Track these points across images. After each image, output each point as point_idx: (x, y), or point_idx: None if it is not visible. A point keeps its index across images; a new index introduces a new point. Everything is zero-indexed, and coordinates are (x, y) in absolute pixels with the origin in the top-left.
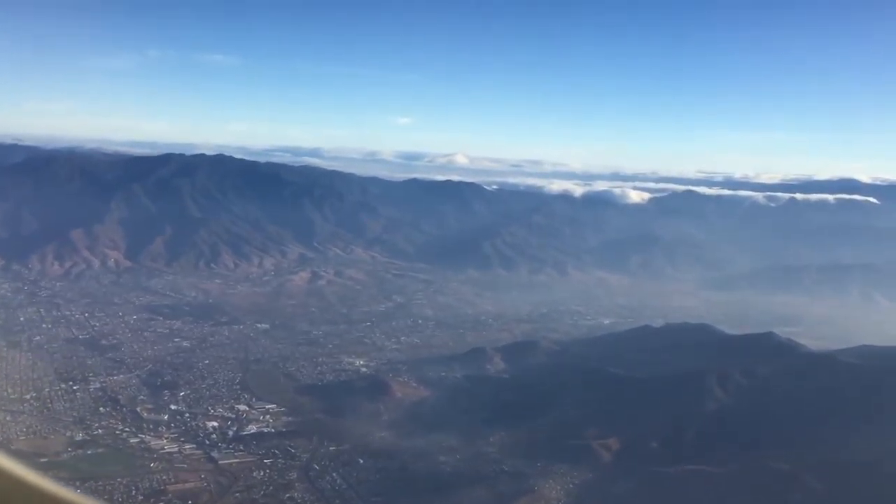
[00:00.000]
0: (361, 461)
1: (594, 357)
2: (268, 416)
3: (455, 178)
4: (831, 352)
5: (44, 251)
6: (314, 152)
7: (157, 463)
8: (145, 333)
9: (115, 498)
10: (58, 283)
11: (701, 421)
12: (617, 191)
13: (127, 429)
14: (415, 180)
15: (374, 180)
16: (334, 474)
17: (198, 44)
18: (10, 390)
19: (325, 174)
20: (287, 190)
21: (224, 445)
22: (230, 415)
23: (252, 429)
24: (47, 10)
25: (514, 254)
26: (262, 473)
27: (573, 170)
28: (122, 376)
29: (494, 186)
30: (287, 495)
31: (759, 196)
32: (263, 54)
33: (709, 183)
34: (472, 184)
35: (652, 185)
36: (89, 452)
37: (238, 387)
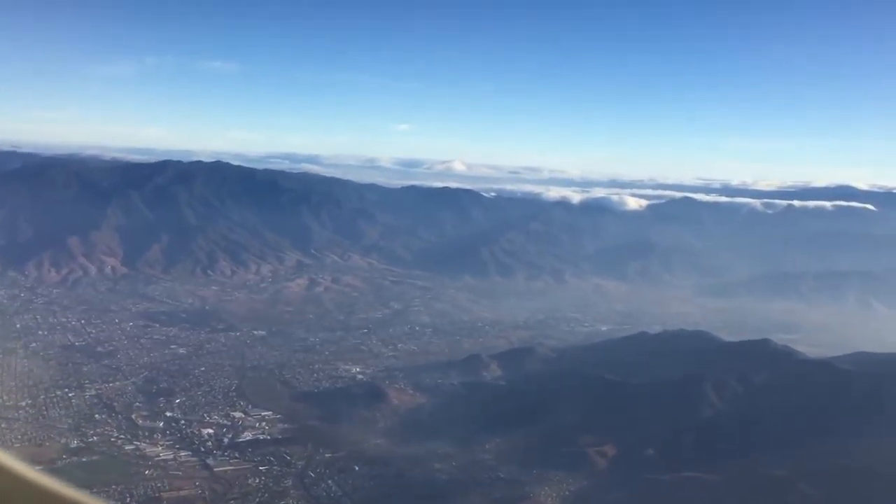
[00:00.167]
0: (357, 468)
1: (591, 364)
2: (263, 423)
3: (453, 184)
4: (828, 358)
5: (40, 258)
6: (312, 159)
7: (151, 470)
8: (141, 340)
9: None
10: (54, 290)
11: (697, 428)
12: (615, 198)
13: (122, 436)
14: (412, 187)
15: (372, 187)
16: (329, 481)
17: (196, 51)
18: (5, 397)
19: (322, 181)
20: (284, 197)
21: (219, 452)
22: (226, 422)
23: (248, 436)
24: (46, 18)
25: (512, 261)
26: (257, 480)
27: (571, 177)
28: (117, 383)
29: (492, 193)
30: (282, 502)
31: (756, 203)
32: (261, 61)
33: (706, 190)
34: (469, 191)
35: (650, 191)
36: (84, 460)
37: (234, 394)
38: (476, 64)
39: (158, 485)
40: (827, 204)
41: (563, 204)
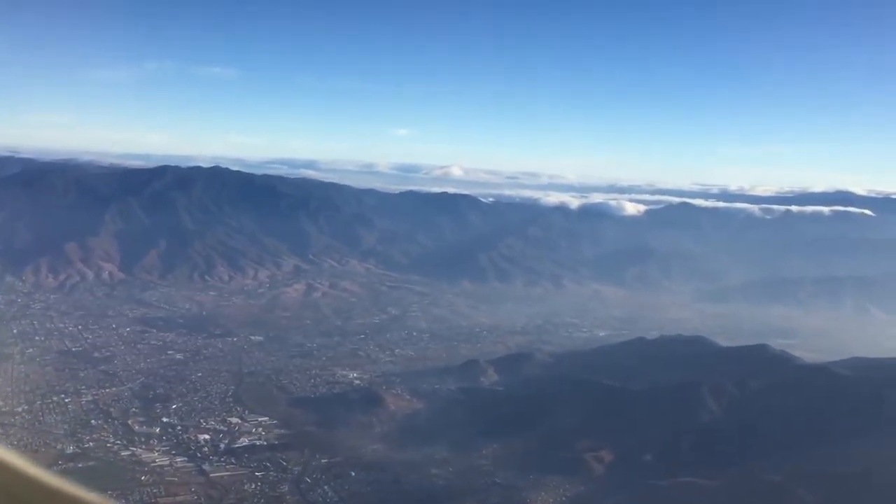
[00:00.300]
0: (353, 474)
1: (588, 369)
2: (260, 429)
3: (451, 190)
4: (825, 364)
5: (38, 263)
6: (311, 164)
7: (147, 476)
8: (138, 346)
9: None
10: (52, 296)
11: (694, 433)
12: (613, 203)
13: (118, 442)
14: (411, 192)
15: (370, 192)
16: (326, 487)
17: (195, 56)
18: (1, 403)
19: (320, 186)
20: (283, 202)
21: (215, 458)
22: (222, 427)
23: (244, 441)
24: (45, 22)
25: (510, 266)
26: (253, 486)
27: (570, 182)
28: (114, 389)
29: (490, 199)
30: None
31: (754, 208)
32: (261, 67)
33: (704, 195)
34: (468, 196)
35: (648, 197)
36: (80, 465)
37: (231, 399)
38: (475, 69)
39: (154, 490)
40: (825, 209)
41: (561, 209)
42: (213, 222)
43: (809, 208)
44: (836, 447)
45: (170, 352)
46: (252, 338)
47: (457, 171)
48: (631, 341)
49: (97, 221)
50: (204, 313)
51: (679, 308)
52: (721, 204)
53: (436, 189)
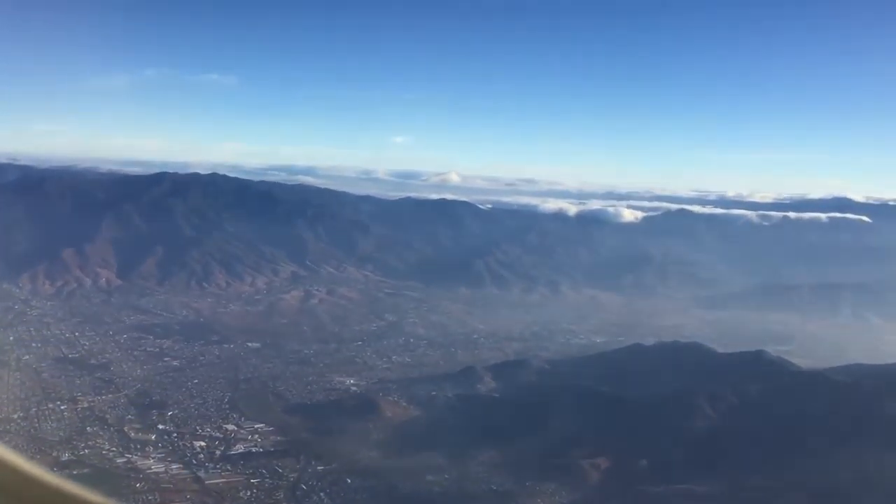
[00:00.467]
0: (349, 481)
1: (585, 376)
2: (256, 436)
3: (449, 196)
4: (821, 370)
5: (35, 270)
6: (309, 171)
7: (142, 483)
8: (135, 352)
9: None
10: (48, 303)
11: (690, 440)
12: (610, 209)
13: (114, 449)
14: (408, 199)
15: (368, 199)
16: (322, 494)
17: (194, 63)
18: None
19: (318, 193)
20: (280, 209)
21: (211, 465)
22: (218, 434)
23: (240, 448)
24: (44, 30)
25: (507, 272)
26: (248, 493)
27: (568, 188)
28: (110, 396)
29: (488, 205)
30: None
31: (752, 214)
32: (259, 74)
33: (702, 201)
34: (465, 202)
35: (646, 203)
36: (75, 473)
37: (227, 406)
38: (473, 76)
39: (149, 498)
40: (822, 216)
41: (559, 216)
42: (211, 229)
43: (807, 215)
44: (833, 454)
45: (166, 358)
46: (249, 344)
47: (454, 178)
48: (628, 348)
49: (94, 228)
50: (201, 320)
51: (676, 314)
52: (719, 210)
53: (434, 196)
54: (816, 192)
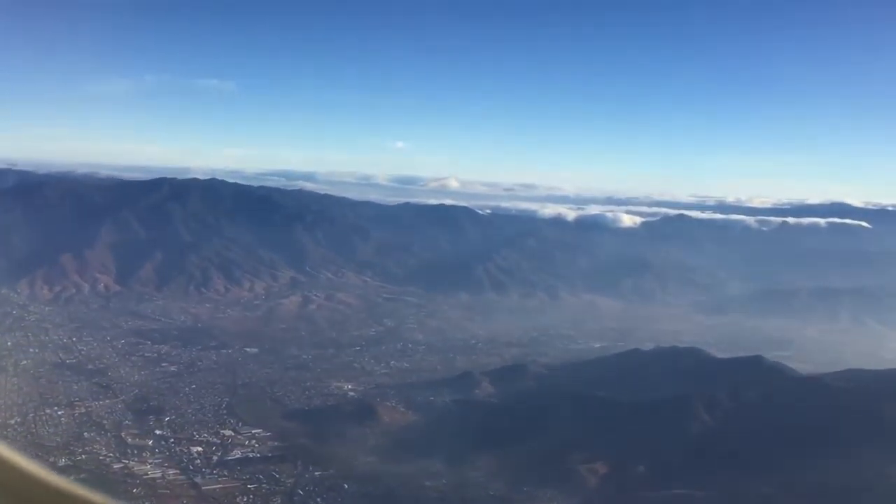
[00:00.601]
0: (346, 486)
1: (583, 381)
2: (253, 441)
3: (448, 202)
4: (819, 375)
5: (33, 275)
6: (308, 176)
7: (139, 489)
8: (133, 358)
9: None
10: (46, 308)
11: (688, 445)
12: (609, 215)
13: (110, 454)
14: (408, 204)
15: (367, 204)
16: (318, 499)
17: (193, 68)
18: None
19: (317, 198)
20: (279, 214)
21: (208, 471)
22: (215, 440)
23: (237, 454)
24: (43, 36)
25: (506, 278)
26: (245, 499)
27: (567, 194)
28: (107, 401)
29: (487, 210)
30: None
31: (750, 220)
32: (259, 79)
33: (701, 207)
34: (464, 208)
35: (645, 209)
36: (72, 478)
37: (224, 412)
38: (473, 82)
39: (145, 503)
40: (821, 221)
41: (557, 221)
42: (210, 234)
43: (806, 220)
44: (830, 459)
45: (164, 364)
46: (247, 350)
47: (454, 184)
48: (626, 353)
49: (93, 233)
50: (199, 325)
51: (675, 320)
52: (718, 216)
53: (433, 201)
54: (815, 197)
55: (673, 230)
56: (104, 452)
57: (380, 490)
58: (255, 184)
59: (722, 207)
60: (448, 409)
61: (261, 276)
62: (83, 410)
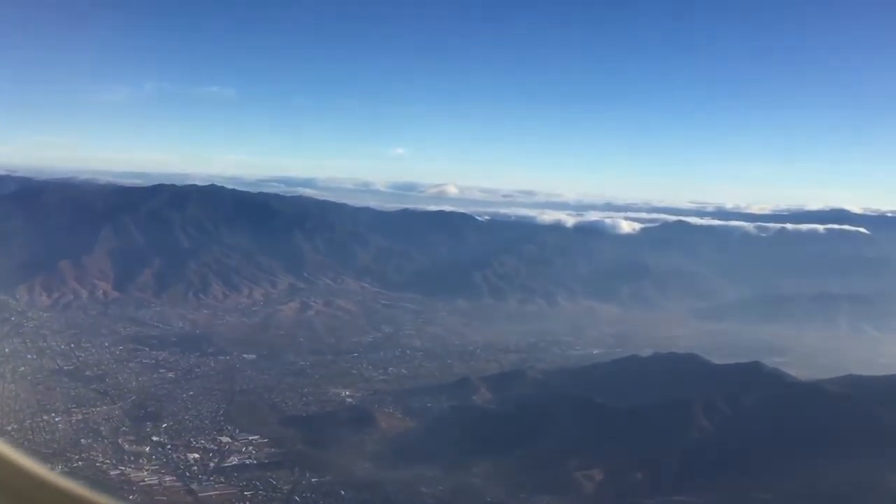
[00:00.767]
0: (343, 493)
1: (581, 387)
2: (250, 448)
3: (447, 208)
4: (817, 381)
5: (32, 282)
6: (308, 183)
7: (136, 495)
8: (130, 364)
9: None
10: (45, 314)
11: (685, 451)
12: (608, 221)
13: (107, 461)
14: (406, 210)
15: (366, 210)
16: None
17: (193, 75)
18: None
19: (316, 204)
20: (278, 220)
21: (205, 477)
22: (212, 446)
23: (234, 460)
24: (44, 43)
25: (505, 284)
26: None
27: (566, 200)
28: (105, 407)
29: (486, 217)
30: None
31: (749, 226)
32: (258, 86)
33: (700, 213)
34: (463, 214)
35: (644, 215)
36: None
37: (222, 418)
38: (472, 87)
39: None
40: (820, 227)
41: (556, 227)
42: (209, 240)
43: (805, 226)
44: (829, 465)
45: (162, 370)
46: (245, 356)
47: (452, 190)
48: (624, 359)
49: (92, 240)
50: (197, 331)
51: (674, 326)
52: (716, 222)
53: (432, 207)
54: (814, 203)
55: (672, 236)
56: (101, 459)
57: (377, 496)
58: (254, 190)
59: (721, 214)
60: (446, 415)
61: (259, 282)
62: (80, 417)
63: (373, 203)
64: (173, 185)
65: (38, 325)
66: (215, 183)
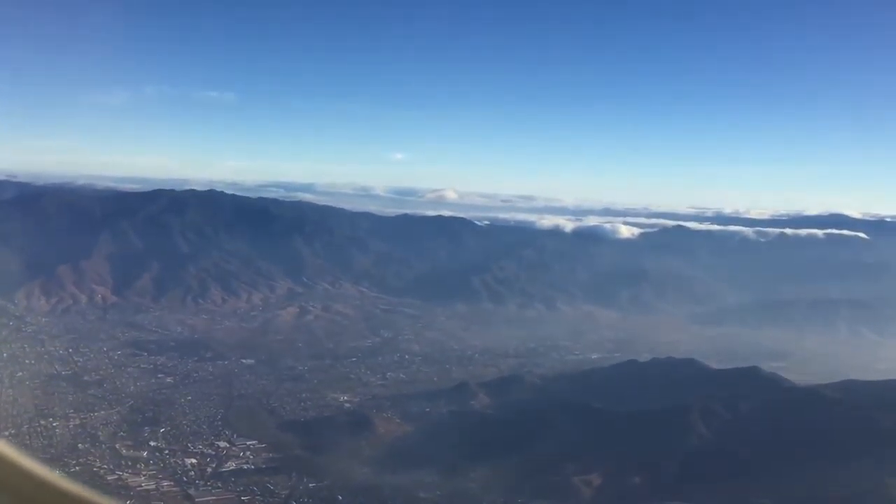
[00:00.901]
0: (341, 498)
1: (579, 392)
2: (248, 453)
3: (447, 213)
4: (815, 386)
5: (30, 287)
6: (307, 188)
7: (133, 500)
8: (129, 369)
9: None
10: (43, 319)
11: (683, 456)
12: (607, 226)
13: (105, 466)
14: (406, 215)
15: (366, 215)
16: None
17: (193, 80)
18: None
19: (315, 209)
20: (277, 225)
21: (202, 482)
22: (210, 451)
23: (231, 465)
24: (43, 48)
25: (504, 289)
26: None
27: (566, 205)
28: (102, 412)
29: (485, 222)
30: None
31: (748, 231)
32: (259, 90)
33: (699, 218)
34: (462, 219)
35: (643, 220)
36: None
37: (219, 423)
38: (472, 92)
39: None
40: (819, 232)
41: (555, 232)
42: (207, 245)
43: (804, 231)
44: (827, 470)
45: (160, 375)
46: (243, 361)
47: (451, 195)
48: (622, 364)
49: (91, 245)
50: (196, 336)
51: (672, 331)
52: (716, 227)
53: (431, 212)
54: (813, 208)
55: (671, 241)
56: (98, 464)
57: (374, 501)
58: (253, 195)
59: (720, 218)
60: (444, 420)
61: (258, 287)
62: (78, 422)
63: (372, 208)
64: (172, 191)
65: (36, 329)
66: (214, 188)
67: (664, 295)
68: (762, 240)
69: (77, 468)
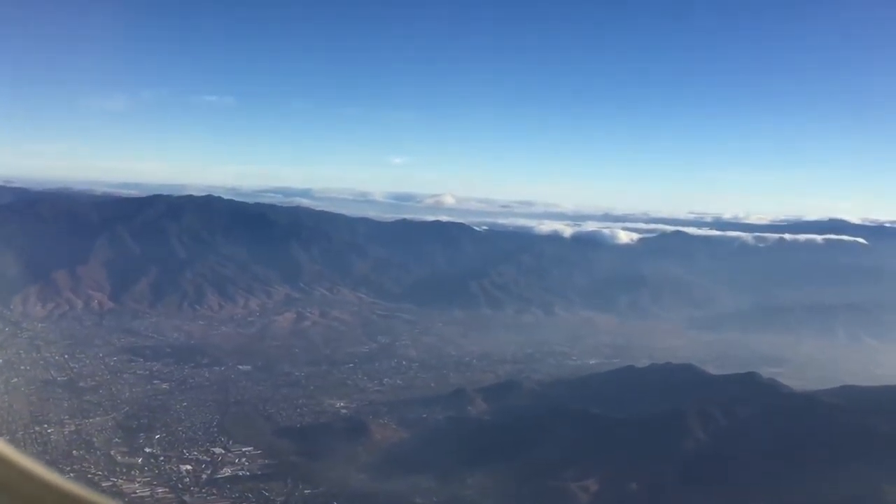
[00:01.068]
0: None
1: (576, 398)
2: (244, 459)
3: (445, 218)
4: (813, 392)
5: (27, 292)
6: (305, 193)
7: None
8: (125, 375)
9: None
10: (39, 325)
11: (680, 462)
12: (606, 231)
13: (99, 472)
14: (404, 221)
15: (363, 221)
16: None
17: (191, 85)
18: None
19: (313, 215)
20: (275, 230)
21: (197, 489)
22: (205, 458)
23: (227, 472)
24: (39, 52)
25: (502, 294)
26: None
27: (564, 210)
28: (98, 419)
29: (484, 227)
30: None
31: (748, 236)
32: (257, 95)
33: (698, 223)
34: (461, 224)
35: (642, 225)
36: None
37: (215, 429)
38: (471, 97)
39: None
40: (818, 237)
41: (554, 237)
42: (205, 251)
43: (803, 237)
44: (825, 476)
45: (156, 381)
46: (240, 367)
47: (450, 200)
48: (620, 369)
49: (87, 250)
50: (192, 342)
51: (671, 336)
52: (715, 232)
53: (429, 218)
54: (812, 213)
55: (670, 246)
56: (93, 471)
57: None
58: (251, 201)
59: (719, 224)
60: (441, 426)
61: (255, 292)
62: (73, 428)
63: (370, 213)
64: (169, 196)
65: (32, 335)
66: (212, 193)
67: (662, 300)
68: (761, 245)
69: (72, 474)
